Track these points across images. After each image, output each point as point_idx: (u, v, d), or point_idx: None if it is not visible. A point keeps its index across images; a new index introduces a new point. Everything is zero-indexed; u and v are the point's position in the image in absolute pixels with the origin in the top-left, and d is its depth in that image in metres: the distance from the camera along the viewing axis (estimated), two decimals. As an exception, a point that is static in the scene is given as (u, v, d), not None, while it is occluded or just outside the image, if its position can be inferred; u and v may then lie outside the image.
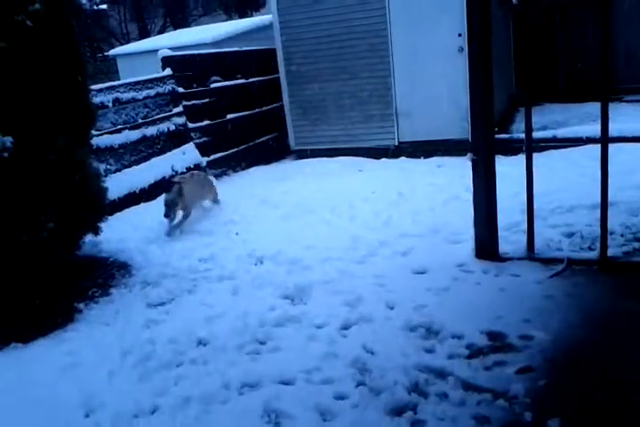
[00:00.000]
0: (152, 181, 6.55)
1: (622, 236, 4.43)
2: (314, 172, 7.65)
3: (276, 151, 8.95)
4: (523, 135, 4.27)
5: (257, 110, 8.77)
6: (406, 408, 2.67)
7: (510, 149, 6.59)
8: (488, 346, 3.18)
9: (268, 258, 4.71)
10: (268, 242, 5.00)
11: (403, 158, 7.94)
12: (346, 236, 5.03)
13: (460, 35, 7.32)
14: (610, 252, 4.02)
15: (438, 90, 7.69)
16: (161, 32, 21.24)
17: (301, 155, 8.71)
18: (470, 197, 4.30)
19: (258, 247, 4.91)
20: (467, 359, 3.07)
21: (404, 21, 7.70)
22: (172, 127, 7.17)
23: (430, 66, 7.69)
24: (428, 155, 7.84)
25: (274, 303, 3.93)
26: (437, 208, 5.58)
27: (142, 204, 6.30)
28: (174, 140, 7.19)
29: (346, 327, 3.55)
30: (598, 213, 3.99)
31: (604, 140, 3.88)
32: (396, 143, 8.13)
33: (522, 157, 4.22)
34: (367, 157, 8.07)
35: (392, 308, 3.74)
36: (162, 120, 7.05)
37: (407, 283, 4.09)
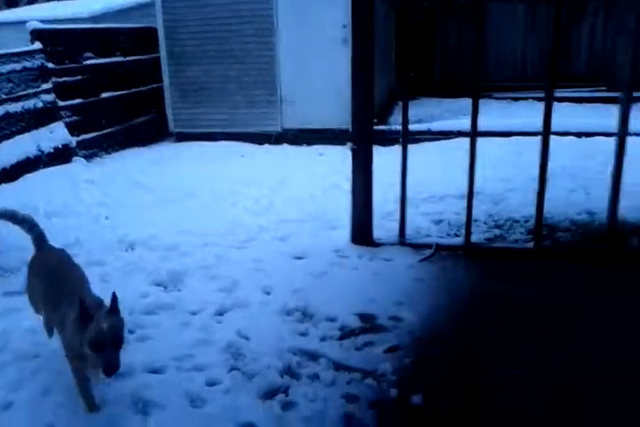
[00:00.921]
0: (14, 162, 6.07)
1: (485, 223, 4.73)
2: (194, 155, 7.45)
3: (154, 133, 8.63)
4: (400, 127, 4.42)
5: (134, 90, 8.38)
6: (278, 391, 2.68)
7: (388, 139, 6.79)
8: (360, 327, 3.26)
9: (140, 243, 4.52)
10: (141, 226, 4.80)
11: (285, 145, 7.95)
12: (225, 221, 4.95)
13: (344, 26, 7.41)
14: (474, 238, 4.28)
15: (322, 79, 7.76)
16: (31, 2, 19.68)
17: (181, 138, 8.45)
18: (349, 185, 4.38)
19: (130, 232, 4.69)
20: (339, 341, 3.13)
21: (290, 9, 7.67)
22: (40, 104, 6.67)
23: (316, 55, 7.74)
24: (310, 142, 7.91)
25: (146, 290, 3.78)
26: (317, 195, 5.64)
27: (3, 184, 5.80)
28: (41, 118, 6.69)
29: (221, 313, 3.49)
30: (465, 202, 4.22)
31: (474, 134, 4.10)
32: (280, 130, 8.12)
33: (398, 148, 4.37)
34: (250, 142, 7.99)
35: (269, 293, 3.73)
36: (28, 96, 6.53)
37: (285, 268, 4.10)
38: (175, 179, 6.28)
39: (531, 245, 4.20)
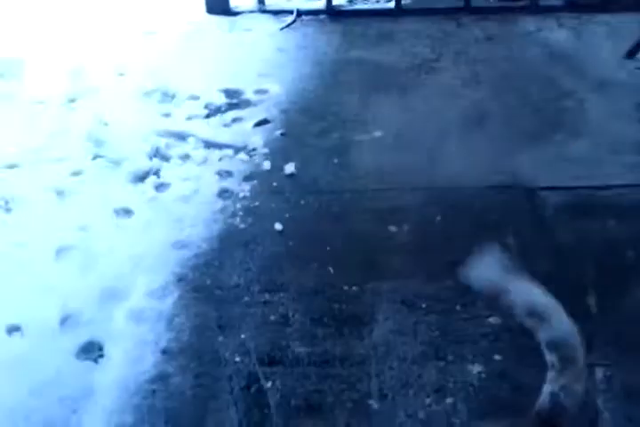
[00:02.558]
0: None
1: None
2: None
3: None
4: None
5: None
6: (149, 174, 2.63)
7: None
8: (226, 104, 3.16)
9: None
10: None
11: None
12: None
13: None
14: (335, 0, 4.06)
15: None
16: None
17: None
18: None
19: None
20: (206, 119, 3.04)
21: None
22: None
23: None
24: None
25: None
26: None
27: None
28: None
29: (73, 100, 3.21)
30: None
31: None
32: None
33: None
34: None
35: (122, 74, 3.44)
36: None
37: (136, 45, 3.74)
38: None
39: (392, 4, 4.07)
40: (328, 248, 2.27)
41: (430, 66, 3.45)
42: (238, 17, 4.02)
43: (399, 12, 4.02)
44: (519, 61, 3.49)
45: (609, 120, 2.97)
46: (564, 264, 2.18)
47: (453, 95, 3.19)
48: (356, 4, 4.18)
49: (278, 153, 2.79)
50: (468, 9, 3.98)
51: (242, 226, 2.37)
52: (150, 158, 2.72)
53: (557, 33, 3.76)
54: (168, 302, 2.01)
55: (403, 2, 4.04)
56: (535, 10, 3.97)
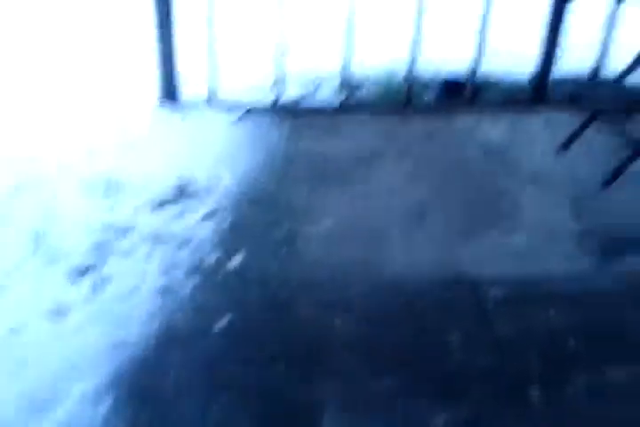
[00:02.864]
0: None
1: (297, 81, 4.67)
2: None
3: None
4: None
5: None
6: (89, 270, 2.56)
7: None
8: (173, 195, 3.17)
9: None
10: None
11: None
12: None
13: None
14: (287, 95, 4.24)
15: None
16: None
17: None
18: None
19: None
20: (152, 211, 3.03)
21: None
22: None
23: None
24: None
25: None
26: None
27: None
28: None
29: (17, 189, 3.18)
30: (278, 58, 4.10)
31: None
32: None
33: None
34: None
35: (68, 164, 3.45)
36: None
37: (83, 135, 3.78)
38: None
39: (337, 102, 4.28)
40: (273, 345, 2.22)
41: (374, 160, 3.58)
42: (189, 107, 4.14)
43: (345, 109, 4.23)
44: (458, 158, 3.66)
45: (545, 213, 3.11)
46: (505, 357, 2.19)
47: (396, 190, 3.29)
48: (304, 102, 4.38)
49: (225, 245, 2.78)
50: (410, 106, 4.21)
51: (182, 324, 2.30)
52: (92, 253, 2.66)
53: (494, 128, 4.00)
54: (102, 409, 1.90)
55: (347, 100, 4.24)
56: (472, 106, 4.24)
